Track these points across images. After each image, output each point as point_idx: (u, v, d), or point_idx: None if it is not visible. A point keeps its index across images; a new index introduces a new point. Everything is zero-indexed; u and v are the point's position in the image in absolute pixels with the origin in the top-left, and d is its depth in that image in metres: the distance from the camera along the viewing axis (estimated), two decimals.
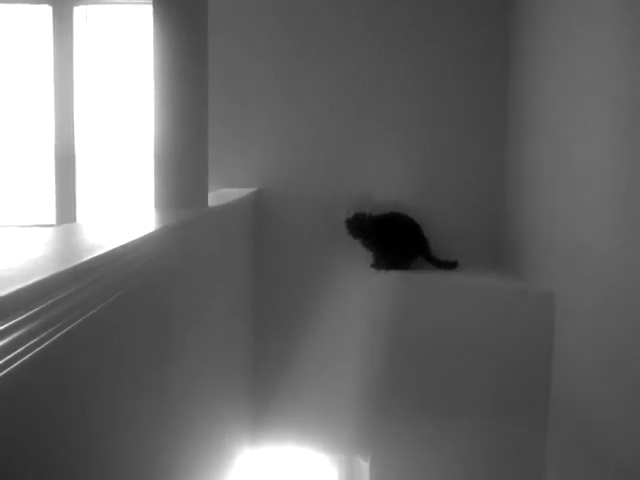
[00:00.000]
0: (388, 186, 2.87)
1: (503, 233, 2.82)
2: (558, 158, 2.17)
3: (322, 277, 2.91)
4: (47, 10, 3.12)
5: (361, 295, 2.82)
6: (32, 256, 0.99)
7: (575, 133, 2.02)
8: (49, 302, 0.85)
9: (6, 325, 0.75)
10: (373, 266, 2.71)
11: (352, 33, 2.86)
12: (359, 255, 2.77)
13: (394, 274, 2.61)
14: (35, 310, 0.81)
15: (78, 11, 3.14)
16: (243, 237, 2.75)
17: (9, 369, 0.76)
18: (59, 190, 3.13)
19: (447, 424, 2.41)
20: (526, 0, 2.58)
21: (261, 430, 2.99)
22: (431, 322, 2.43)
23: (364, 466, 2.78)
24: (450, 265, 2.69)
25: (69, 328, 0.92)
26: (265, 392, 2.98)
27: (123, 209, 3.15)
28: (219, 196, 2.42)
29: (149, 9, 1.97)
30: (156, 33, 1.89)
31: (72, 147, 3.13)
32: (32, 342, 0.82)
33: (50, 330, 0.87)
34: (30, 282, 0.80)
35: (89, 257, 0.99)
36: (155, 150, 1.93)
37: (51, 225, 3.14)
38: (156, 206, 1.92)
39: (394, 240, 2.67)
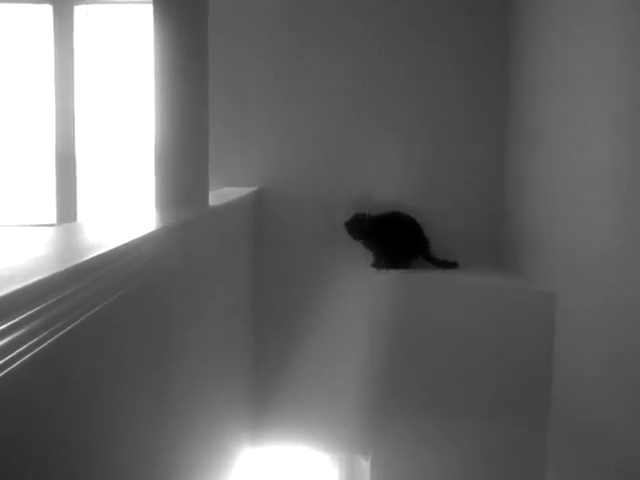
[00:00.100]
0: (388, 186, 2.87)
1: (503, 233, 2.82)
2: (558, 158, 2.17)
3: (322, 276, 2.91)
4: (48, 9, 3.12)
5: (361, 295, 2.82)
6: (32, 255, 0.99)
7: (575, 133, 2.02)
8: (49, 302, 0.85)
9: (6, 325, 0.75)
10: (373, 266, 2.71)
11: (352, 33, 2.86)
12: (359, 255, 2.77)
13: (394, 274, 2.61)
14: (35, 310, 0.81)
15: (79, 10, 3.14)
16: (243, 236, 2.75)
17: (9, 369, 0.76)
18: (60, 189, 3.13)
19: (448, 423, 2.41)
20: (526, 0, 2.58)
21: (262, 429, 2.99)
22: (432, 321, 2.43)
23: (365, 465, 2.78)
24: (450, 265, 2.69)
25: (69, 328, 0.92)
26: (265, 391, 2.98)
27: (124, 208, 3.15)
28: (220, 195, 2.42)
29: (149, 8, 1.97)
30: (156, 33, 1.89)
31: (73, 147, 3.13)
32: (32, 342, 0.82)
33: (50, 330, 0.87)
34: (30, 281, 0.80)
35: (89, 256, 0.99)
36: (156, 149, 1.93)
37: (52, 224, 3.14)
38: (157, 205, 1.92)
39: (394, 240, 2.68)
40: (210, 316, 2.00)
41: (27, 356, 0.80)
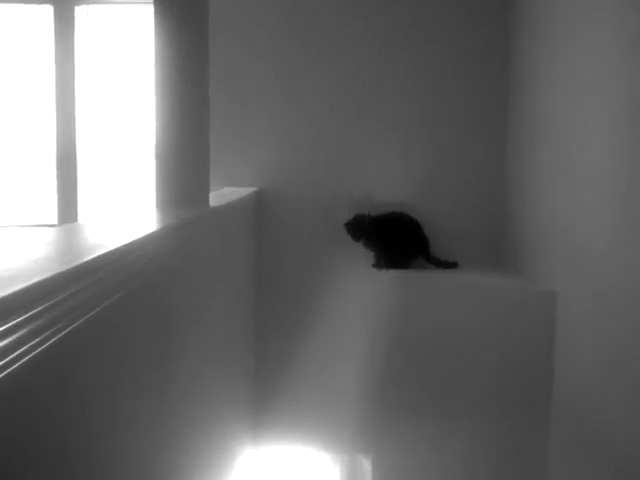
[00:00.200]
0: (388, 186, 2.87)
1: (504, 232, 2.82)
2: (558, 158, 2.17)
3: (323, 276, 2.91)
4: (48, 10, 3.12)
5: (362, 295, 2.82)
6: (33, 256, 0.99)
7: (575, 133, 2.02)
8: (50, 302, 0.85)
9: (7, 325, 0.75)
10: (374, 266, 2.71)
11: (352, 33, 2.86)
12: (360, 255, 2.77)
13: (395, 274, 2.61)
14: (36, 310, 0.82)
15: (79, 11, 3.14)
16: (244, 237, 2.75)
17: (10, 369, 0.76)
18: (60, 190, 3.14)
19: (449, 423, 2.41)
20: (526, 0, 2.58)
21: (262, 429, 2.99)
22: (432, 321, 2.43)
23: (366, 465, 2.78)
24: (450, 265, 2.69)
25: (70, 328, 0.92)
26: (266, 391, 2.98)
27: (124, 209, 3.15)
28: (220, 196, 2.42)
29: (150, 9, 1.97)
30: (157, 33, 1.89)
31: (73, 147, 3.14)
32: (33, 342, 0.82)
33: (51, 330, 0.87)
34: (31, 282, 0.80)
35: (90, 257, 1.00)
36: (156, 149, 1.93)
37: (53, 225, 3.14)
38: (157, 206, 1.92)
39: (395, 240, 2.68)
40: (210, 316, 2.00)
41: (28, 357, 0.80)
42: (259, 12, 2.90)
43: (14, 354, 0.77)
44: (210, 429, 2.02)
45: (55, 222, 3.14)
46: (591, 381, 1.86)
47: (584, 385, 1.93)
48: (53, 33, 3.10)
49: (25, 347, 0.80)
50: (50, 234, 1.27)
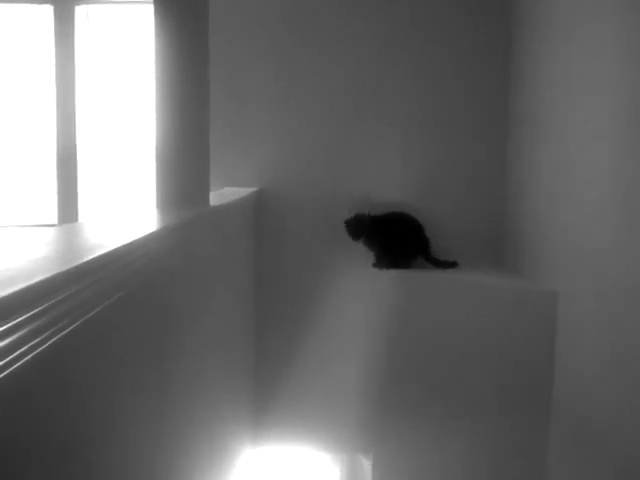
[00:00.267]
0: (388, 186, 2.87)
1: (504, 232, 2.82)
2: (558, 158, 2.17)
3: (323, 276, 2.91)
4: (48, 10, 3.12)
5: (362, 294, 2.83)
6: (33, 256, 0.99)
7: (575, 133, 2.02)
8: (50, 302, 0.85)
9: (8, 325, 0.75)
10: (374, 265, 2.71)
11: (352, 33, 2.86)
12: (360, 254, 2.77)
13: (395, 273, 2.61)
14: (36, 310, 0.82)
15: (79, 10, 3.14)
16: (244, 236, 2.75)
17: (11, 369, 0.76)
18: (61, 190, 3.14)
19: (449, 423, 2.41)
20: (526, 0, 2.58)
21: (263, 429, 3.00)
22: (433, 321, 2.44)
23: (366, 465, 2.79)
24: (450, 265, 2.69)
25: (71, 328, 0.92)
26: (267, 391, 2.98)
27: (125, 209, 3.15)
28: (220, 195, 2.42)
29: (150, 8, 1.97)
30: (157, 33, 1.89)
31: (74, 147, 3.14)
32: (33, 342, 0.82)
33: (52, 330, 0.87)
34: (31, 282, 0.80)
35: (90, 257, 0.99)
36: (157, 149, 1.93)
37: (53, 225, 3.14)
38: (157, 205, 1.92)
39: (395, 240, 2.68)
40: (211, 316, 2.00)
41: (28, 357, 0.80)
42: (259, 12, 2.90)
43: (15, 354, 0.77)
44: (210, 429, 2.02)
45: (55, 222, 3.14)
46: (591, 381, 1.86)
47: (584, 385, 1.93)
48: (53, 33, 3.10)
49: (26, 347, 0.80)
50: (50, 234, 1.27)
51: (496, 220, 2.84)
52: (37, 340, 0.83)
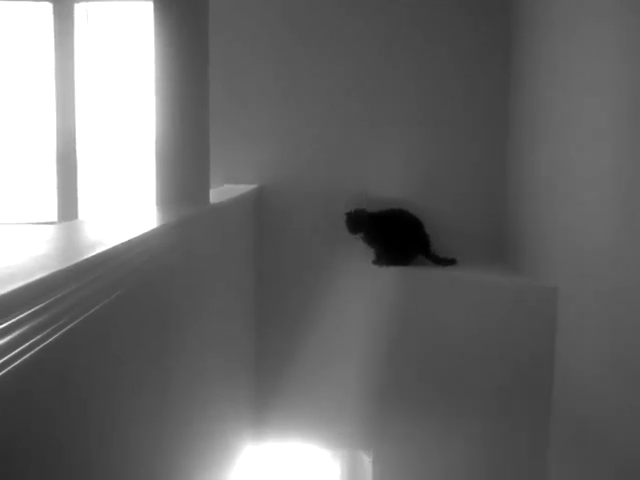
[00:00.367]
0: (389, 185, 2.87)
1: (505, 229, 2.82)
2: (559, 155, 2.17)
3: (323, 273, 2.92)
4: (48, 7, 3.11)
5: (362, 292, 2.83)
6: (33, 254, 0.99)
7: (575, 133, 2.02)
8: (51, 300, 0.85)
9: (7, 323, 0.75)
10: (374, 262, 2.72)
11: (352, 33, 2.86)
12: (360, 251, 2.78)
13: (395, 270, 2.61)
14: (36, 308, 0.81)
15: (79, 8, 3.13)
16: (244, 234, 2.75)
17: (11, 367, 0.76)
18: (60, 187, 3.13)
19: (449, 420, 2.41)
20: (527, 0, 2.58)
21: (263, 426, 3.00)
22: (433, 318, 2.44)
23: (367, 461, 2.79)
24: (449, 262, 2.70)
25: (70, 326, 0.92)
26: (267, 388, 2.99)
27: (124, 206, 3.15)
28: (220, 193, 2.42)
29: (150, 5, 1.96)
30: (157, 31, 1.89)
31: (73, 144, 3.13)
32: (34, 340, 0.82)
33: (52, 327, 0.87)
34: (31, 280, 0.80)
35: (90, 255, 0.99)
36: (156, 147, 1.93)
37: (53, 222, 3.13)
38: (157, 203, 1.92)
39: (395, 237, 2.69)
40: (211, 314, 2.00)
41: (28, 354, 0.80)
42: (259, 11, 2.90)
43: (15, 351, 0.77)
44: (211, 426, 2.01)
45: (55, 220, 3.14)
46: (591, 379, 1.86)
47: (584, 383, 1.93)
48: (53, 30, 3.10)
49: (26, 344, 0.80)
50: (50, 232, 1.27)
51: (497, 216, 2.84)
52: (37, 338, 0.83)
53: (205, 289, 1.90)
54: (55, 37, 3.09)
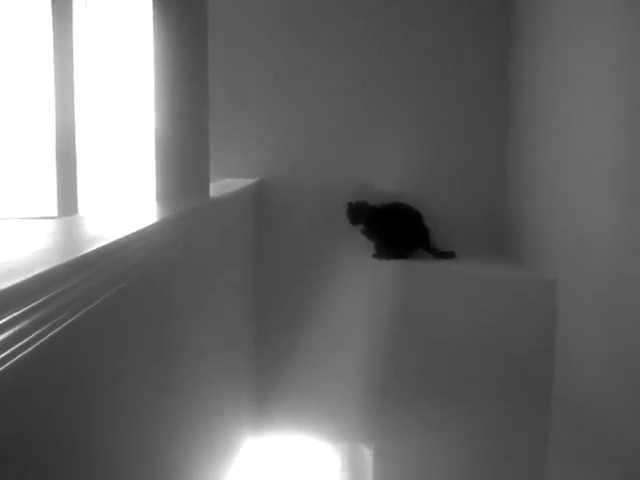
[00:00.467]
0: (389, 180, 2.88)
1: (505, 221, 2.83)
2: (559, 148, 2.17)
3: (323, 267, 2.92)
4: (46, 0, 3.10)
5: (363, 285, 2.83)
6: (34, 248, 0.99)
7: (576, 129, 2.02)
8: (51, 294, 0.85)
9: (8, 317, 0.75)
10: (375, 256, 2.73)
11: (352, 33, 2.86)
12: (360, 245, 2.78)
13: (396, 264, 2.62)
14: (37, 302, 0.81)
15: (77, 1, 3.12)
16: (244, 228, 2.75)
17: (11, 362, 0.76)
18: (60, 182, 3.12)
19: (450, 413, 2.42)
20: (526, 0, 2.59)
21: (264, 419, 3.01)
22: (434, 311, 2.45)
23: (367, 454, 2.80)
24: (448, 255, 2.71)
25: (70, 320, 0.92)
26: (268, 382, 3.00)
27: (124, 200, 3.15)
28: (220, 187, 2.43)
29: None
30: (156, 24, 1.89)
31: (73, 139, 3.12)
32: (34, 334, 0.82)
33: (52, 322, 0.87)
34: (32, 274, 0.80)
35: (91, 249, 0.99)
36: (156, 141, 1.93)
37: (53, 217, 3.13)
38: (157, 197, 1.92)
39: (395, 230, 2.70)
40: (211, 308, 2.00)
41: (28, 349, 0.80)
42: (259, 11, 2.90)
43: (15, 346, 0.77)
44: (212, 419, 2.01)
45: (55, 214, 3.13)
46: (591, 371, 1.87)
47: (584, 375, 1.93)
48: (51, 24, 3.08)
49: (26, 339, 0.80)
50: (50, 226, 1.27)
51: (497, 208, 2.84)
52: (37, 332, 0.83)
53: (205, 283, 1.90)
54: (54, 30, 3.08)
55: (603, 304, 1.78)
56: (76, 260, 0.93)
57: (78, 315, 0.95)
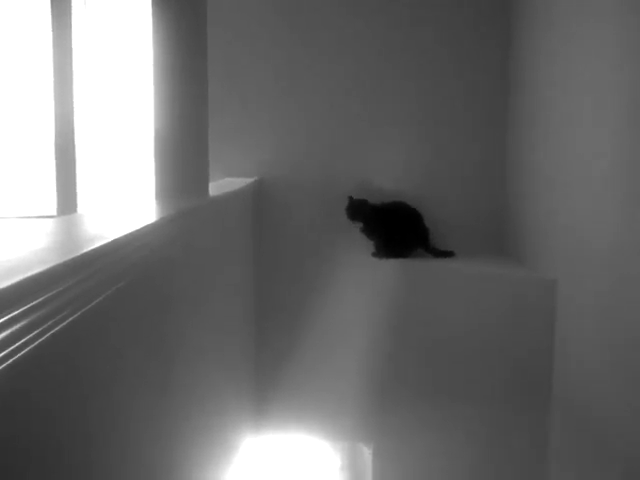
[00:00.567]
0: (389, 180, 2.88)
1: (505, 220, 2.83)
2: (559, 148, 2.17)
3: (323, 265, 2.92)
4: None
5: (362, 284, 2.84)
6: (33, 247, 0.99)
7: (576, 129, 2.02)
8: (50, 293, 0.85)
9: (7, 317, 0.74)
10: (374, 255, 2.73)
11: (352, 33, 2.86)
12: (360, 244, 2.78)
13: (396, 262, 2.62)
14: (36, 301, 0.81)
15: None
16: (244, 226, 2.75)
17: (10, 361, 0.75)
18: (59, 181, 3.12)
19: (450, 412, 2.42)
20: (526, 0, 2.59)
21: (264, 418, 3.01)
22: (433, 310, 2.45)
23: (367, 453, 2.80)
24: (447, 254, 2.71)
25: (70, 320, 0.92)
26: (267, 381, 3.00)
27: (124, 199, 3.15)
28: (220, 186, 2.43)
29: None
30: (155, 22, 1.88)
31: (72, 138, 3.12)
32: (33, 334, 0.81)
33: (51, 322, 0.86)
34: (31, 273, 0.80)
35: (90, 248, 0.99)
36: (155, 139, 1.93)
37: (52, 216, 3.13)
38: (157, 196, 1.92)
39: (395, 230, 2.70)
40: (211, 307, 2.00)
41: (28, 348, 0.80)
42: (259, 11, 2.90)
43: (14, 346, 0.77)
44: (211, 418, 2.01)
45: (54, 213, 3.13)
46: (591, 370, 1.87)
47: (584, 373, 1.93)
48: (50, 21, 3.08)
49: (25, 338, 0.79)
50: (50, 225, 1.27)
51: (497, 207, 2.84)
52: (37, 331, 0.82)
53: (205, 282, 1.90)
54: (53, 28, 3.07)
55: (603, 304, 1.78)
56: (75, 259, 0.93)
57: (77, 314, 0.95)
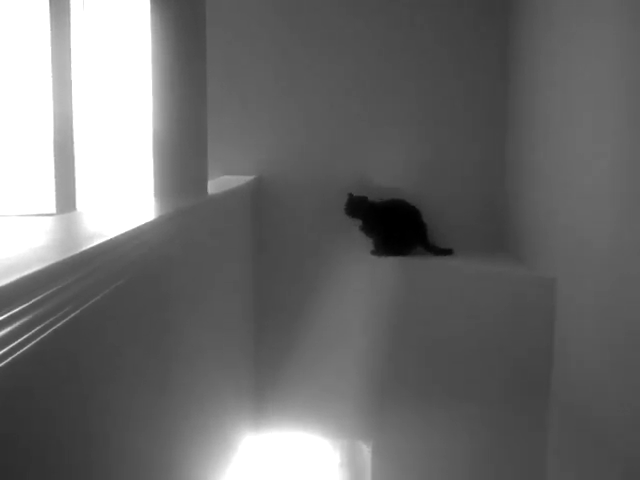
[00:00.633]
0: (388, 179, 2.88)
1: (505, 219, 2.83)
2: (559, 148, 2.17)
3: (323, 263, 2.92)
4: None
5: (362, 281, 2.84)
6: (32, 245, 0.99)
7: (576, 129, 2.02)
8: (50, 291, 0.85)
9: (6, 315, 0.74)
10: (373, 252, 2.73)
11: (352, 33, 2.87)
12: (359, 242, 2.78)
13: (395, 260, 2.62)
14: (35, 299, 0.81)
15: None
16: (243, 224, 2.76)
17: (9, 359, 0.75)
18: (58, 179, 3.12)
19: (449, 410, 2.42)
20: (526, 0, 2.59)
21: (263, 416, 3.02)
22: (432, 309, 2.44)
23: (366, 451, 2.80)
24: (446, 252, 2.71)
25: (69, 317, 0.92)
26: (267, 379, 3.00)
27: (123, 197, 3.15)
28: (219, 184, 2.43)
29: None
30: (153, 22, 1.88)
31: (71, 136, 3.12)
32: (33, 331, 0.82)
33: (50, 319, 0.87)
34: (30, 271, 0.80)
35: (89, 246, 0.99)
36: (154, 138, 1.93)
37: (51, 214, 3.13)
38: (156, 194, 1.92)
39: (393, 227, 2.70)
40: (210, 305, 2.00)
41: (27, 346, 0.80)
42: (259, 11, 2.90)
43: (13, 343, 0.77)
44: (211, 416, 2.01)
45: (53, 211, 3.13)
46: (590, 369, 1.87)
47: (583, 372, 1.93)
48: (49, 21, 3.07)
49: (25, 336, 0.80)
50: (49, 223, 1.27)
51: (497, 206, 2.84)
52: (36, 329, 0.83)
53: (203, 280, 1.90)
54: (51, 28, 3.07)
55: (602, 303, 1.78)
56: (74, 257, 0.93)
57: (76, 312, 0.95)
